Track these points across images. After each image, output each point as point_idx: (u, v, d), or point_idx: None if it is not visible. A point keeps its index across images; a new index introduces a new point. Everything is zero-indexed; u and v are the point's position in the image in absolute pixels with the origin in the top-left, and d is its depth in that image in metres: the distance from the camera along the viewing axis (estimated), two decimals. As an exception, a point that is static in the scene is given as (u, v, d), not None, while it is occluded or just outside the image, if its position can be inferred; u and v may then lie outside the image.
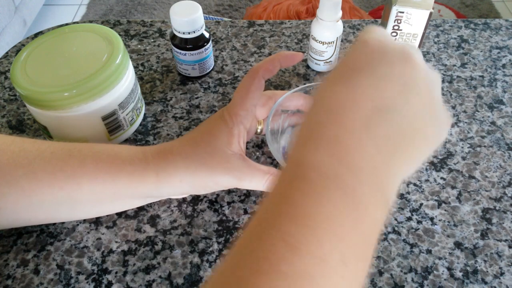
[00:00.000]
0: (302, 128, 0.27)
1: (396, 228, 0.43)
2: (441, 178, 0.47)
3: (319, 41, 0.55)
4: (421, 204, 0.44)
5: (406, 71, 0.27)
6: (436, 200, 0.45)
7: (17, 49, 0.62)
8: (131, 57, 0.61)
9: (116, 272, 0.40)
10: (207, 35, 0.55)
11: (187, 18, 0.51)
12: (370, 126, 0.25)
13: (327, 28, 0.53)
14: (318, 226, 0.22)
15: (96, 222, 0.43)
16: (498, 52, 0.61)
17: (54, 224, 0.43)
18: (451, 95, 0.55)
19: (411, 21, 0.47)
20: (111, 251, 0.41)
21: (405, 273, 0.39)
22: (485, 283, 0.39)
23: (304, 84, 0.57)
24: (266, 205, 0.25)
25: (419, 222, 0.43)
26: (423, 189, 0.46)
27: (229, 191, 0.45)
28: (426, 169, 0.47)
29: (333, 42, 0.55)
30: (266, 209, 0.24)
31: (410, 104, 0.26)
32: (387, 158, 0.25)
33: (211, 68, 0.58)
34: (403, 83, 0.27)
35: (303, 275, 0.21)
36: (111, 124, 0.47)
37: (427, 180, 0.46)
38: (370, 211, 0.24)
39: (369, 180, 0.24)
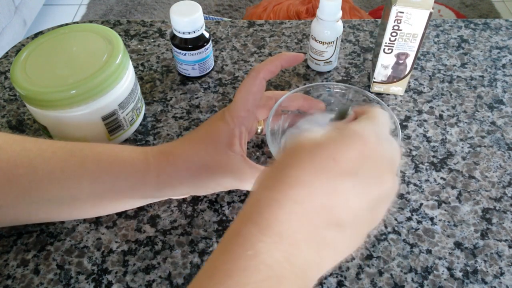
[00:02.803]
0: (265, 182, 0.27)
1: (396, 228, 0.43)
2: (441, 178, 0.47)
3: (319, 41, 0.55)
4: (421, 204, 0.44)
5: (390, 192, 0.28)
6: (436, 200, 0.45)
7: (17, 49, 0.62)
8: (131, 57, 0.61)
9: (116, 272, 0.40)
10: (207, 35, 0.55)
11: (187, 18, 0.51)
12: (323, 235, 0.26)
13: (327, 28, 0.53)
14: None
15: (96, 222, 0.43)
16: (498, 52, 0.61)
17: (54, 224, 0.43)
18: (451, 95, 0.55)
19: (411, 21, 0.47)
20: (111, 251, 0.41)
21: (405, 273, 0.39)
22: (485, 283, 0.39)
23: (304, 84, 0.57)
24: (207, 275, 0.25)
25: (419, 222, 0.43)
26: (423, 189, 0.46)
27: (229, 191, 0.45)
28: (426, 169, 0.47)
29: (333, 42, 0.55)
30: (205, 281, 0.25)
31: (368, 227, 0.28)
32: (325, 263, 0.27)
33: (211, 68, 0.58)
34: (372, 205, 0.28)
35: None
36: (111, 124, 0.47)
37: (427, 180, 0.46)
38: None
39: (302, 282, 0.26)
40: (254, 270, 0.24)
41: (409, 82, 0.57)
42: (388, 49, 0.50)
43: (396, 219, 0.43)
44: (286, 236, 0.25)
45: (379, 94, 0.56)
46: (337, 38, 0.54)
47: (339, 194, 0.26)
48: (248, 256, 0.24)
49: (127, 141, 0.50)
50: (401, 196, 0.45)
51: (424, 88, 0.56)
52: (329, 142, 0.27)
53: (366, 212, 0.27)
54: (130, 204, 0.42)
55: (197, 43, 0.54)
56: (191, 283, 0.25)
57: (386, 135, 0.30)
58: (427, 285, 0.39)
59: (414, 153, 0.49)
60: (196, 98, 0.55)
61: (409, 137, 0.51)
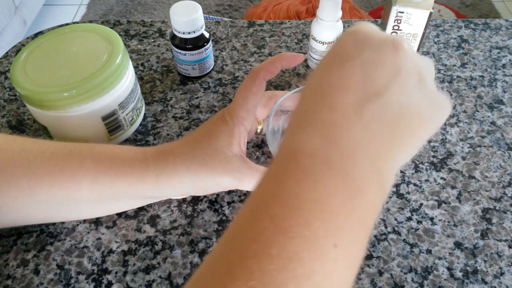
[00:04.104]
0: (294, 114, 0.27)
1: (396, 228, 0.43)
2: (441, 178, 0.47)
3: (319, 41, 0.55)
4: (421, 204, 0.44)
5: (397, 57, 0.27)
6: (436, 200, 0.45)
7: (17, 49, 0.62)
8: (131, 57, 0.61)
9: (116, 272, 0.40)
10: (207, 35, 0.55)
11: (187, 18, 0.51)
12: (362, 110, 0.25)
13: (327, 28, 0.53)
14: (311, 211, 0.22)
15: (96, 222, 0.43)
16: (498, 52, 0.61)
17: (54, 224, 0.43)
18: (451, 95, 0.55)
19: (411, 21, 0.47)
20: (111, 251, 0.41)
21: (405, 273, 0.39)
22: (485, 283, 0.39)
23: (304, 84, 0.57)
24: (259, 191, 0.25)
25: (419, 222, 0.43)
26: (423, 189, 0.46)
27: (229, 191, 0.45)
28: (426, 169, 0.47)
29: (333, 42, 0.54)
30: (258, 194, 0.24)
31: (403, 87, 0.26)
32: (382, 141, 0.25)
33: (211, 68, 0.58)
34: (394, 68, 0.27)
35: (294, 259, 0.21)
36: (111, 124, 0.47)
37: (427, 180, 0.46)
38: (366, 196, 0.24)
39: (364, 163, 0.24)
40: (307, 165, 0.24)
41: (409, 82, 0.57)
42: (388, 49, 0.50)
43: (396, 219, 0.43)
44: (324, 123, 0.25)
45: (379, 94, 0.56)
46: (337, 38, 0.54)
47: (355, 70, 0.26)
48: (288, 152, 0.24)
49: (127, 141, 0.50)
50: (401, 196, 0.45)
51: (424, 88, 0.56)
52: (333, 45, 0.29)
53: (391, 79, 0.26)
54: (130, 204, 0.42)
55: (197, 43, 0.54)
56: (250, 198, 0.25)
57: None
58: (427, 285, 0.39)
59: (414, 153, 0.49)
60: (196, 98, 0.55)
61: (409, 137, 0.51)
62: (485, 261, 0.40)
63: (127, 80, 0.47)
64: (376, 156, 0.25)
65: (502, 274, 0.40)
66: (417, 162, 0.48)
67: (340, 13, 0.53)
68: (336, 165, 0.24)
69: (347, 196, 0.23)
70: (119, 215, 0.44)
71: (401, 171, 0.47)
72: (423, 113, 0.27)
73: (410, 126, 0.26)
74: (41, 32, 0.64)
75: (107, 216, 0.43)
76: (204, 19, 0.55)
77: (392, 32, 0.48)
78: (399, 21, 0.47)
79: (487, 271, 0.40)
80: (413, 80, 0.27)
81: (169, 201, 0.45)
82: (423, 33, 0.48)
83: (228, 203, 0.44)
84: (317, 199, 0.23)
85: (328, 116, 0.25)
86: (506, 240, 0.42)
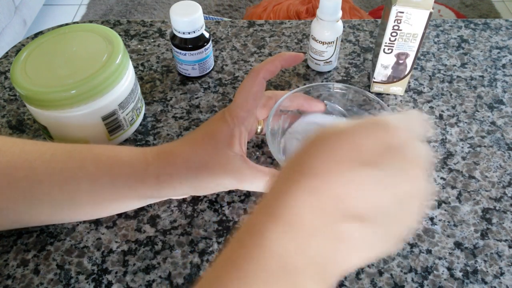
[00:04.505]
0: (275, 187, 0.26)
1: (396, 228, 0.43)
2: (441, 178, 0.47)
3: (319, 41, 0.55)
4: (421, 204, 0.44)
5: (420, 190, 0.26)
6: (436, 200, 0.45)
7: (17, 49, 0.62)
8: (131, 57, 0.61)
9: (116, 272, 0.40)
10: (207, 35, 0.55)
11: (187, 18, 0.51)
12: (341, 229, 0.24)
13: (327, 28, 0.53)
14: None
15: (96, 222, 0.43)
16: (498, 52, 0.61)
17: (54, 224, 0.43)
18: (451, 95, 0.55)
19: (411, 21, 0.47)
20: (111, 251, 0.41)
21: (405, 273, 0.39)
22: (485, 283, 0.39)
23: (304, 84, 0.57)
24: (216, 273, 0.24)
25: (419, 222, 0.43)
26: (423, 189, 0.46)
27: (229, 191, 0.45)
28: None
29: (333, 42, 0.54)
30: (216, 277, 0.24)
31: (398, 225, 0.26)
32: (342, 257, 0.25)
33: (211, 68, 0.58)
34: (399, 200, 0.25)
35: None
36: (111, 124, 0.47)
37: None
38: None
39: (319, 277, 0.25)
40: (264, 259, 0.23)
41: (409, 82, 0.57)
42: (388, 49, 0.50)
43: (396, 219, 0.43)
44: (298, 226, 0.24)
45: (379, 94, 0.56)
46: (337, 38, 0.54)
47: (358, 185, 0.24)
48: (257, 246, 0.23)
49: (127, 141, 0.50)
50: (401, 196, 0.45)
51: (424, 88, 0.56)
52: (350, 130, 0.25)
53: (393, 208, 0.25)
54: (130, 205, 0.42)
55: (197, 43, 0.54)
56: (203, 276, 0.25)
57: (417, 132, 0.27)
58: (427, 285, 0.39)
59: (414, 153, 0.49)
60: (196, 98, 0.55)
61: (409, 137, 0.50)
62: (485, 261, 0.40)
63: (127, 80, 0.47)
64: (337, 270, 0.25)
65: (502, 274, 0.40)
66: (417, 162, 0.48)
67: (340, 13, 0.53)
68: (296, 275, 0.24)
69: None
70: (119, 215, 0.44)
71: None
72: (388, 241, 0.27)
73: (374, 248, 0.26)
74: (41, 32, 0.64)
75: (107, 216, 0.43)
76: (204, 19, 0.55)
77: (392, 32, 0.48)
78: (399, 21, 0.47)
79: (487, 271, 0.40)
80: (406, 217, 0.26)
81: (169, 201, 0.45)
82: (423, 33, 0.48)
83: (228, 203, 0.44)
84: None
85: (309, 222, 0.24)
86: (506, 240, 0.42)
